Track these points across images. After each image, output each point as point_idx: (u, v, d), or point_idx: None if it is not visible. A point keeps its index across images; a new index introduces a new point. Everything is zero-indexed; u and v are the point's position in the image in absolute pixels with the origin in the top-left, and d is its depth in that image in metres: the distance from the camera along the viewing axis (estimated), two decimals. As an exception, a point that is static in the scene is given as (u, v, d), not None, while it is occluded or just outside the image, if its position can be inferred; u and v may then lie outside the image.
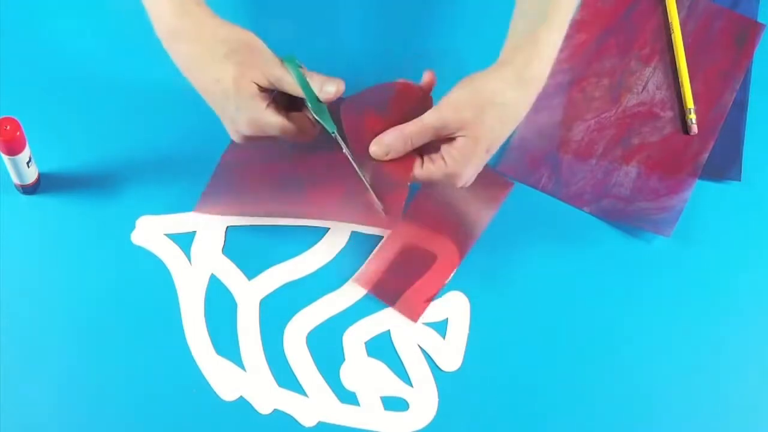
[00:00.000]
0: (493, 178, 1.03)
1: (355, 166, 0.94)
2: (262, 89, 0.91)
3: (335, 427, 0.94)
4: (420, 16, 1.10)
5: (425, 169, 0.92)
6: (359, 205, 0.95)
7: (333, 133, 0.94)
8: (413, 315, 0.97)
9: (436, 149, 0.92)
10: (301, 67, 0.92)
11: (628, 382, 0.97)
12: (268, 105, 0.91)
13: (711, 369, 0.98)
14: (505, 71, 0.92)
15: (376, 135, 0.93)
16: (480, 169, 0.93)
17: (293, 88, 0.92)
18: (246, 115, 0.91)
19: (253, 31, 0.93)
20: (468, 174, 0.92)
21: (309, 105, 0.92)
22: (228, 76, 0.90)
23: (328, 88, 0.93)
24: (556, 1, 0.94)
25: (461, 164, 0.91)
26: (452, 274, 0.99)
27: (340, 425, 0.94)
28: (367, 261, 0.99)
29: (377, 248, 1.00)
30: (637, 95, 1.08)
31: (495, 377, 0.96)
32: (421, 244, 1.00)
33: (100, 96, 1.03)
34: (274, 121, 0.91)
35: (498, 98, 0.90)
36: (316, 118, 0.93)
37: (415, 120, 0.91)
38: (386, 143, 0.92)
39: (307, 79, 0.92)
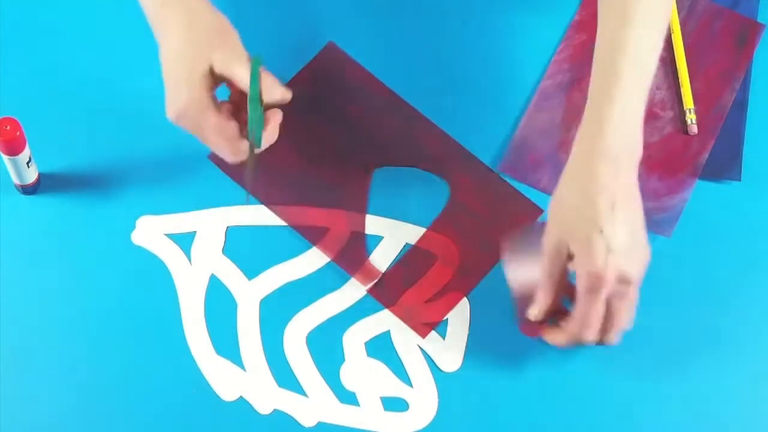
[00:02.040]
0: (522, 203, 1.03)
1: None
2: (214, 76, 0.92)
3: (335, 427, 0.94)
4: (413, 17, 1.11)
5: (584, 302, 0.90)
6: (348, 249, 0.98)
7: (257, 147, 0.93)
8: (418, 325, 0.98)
9: None
10: (261, 65, 0.93)
11: (628, 381, 0.97)
12: (212, 92, 0.92)
13: (711, 369, 0.98)
14: (571, 168, 0.93)
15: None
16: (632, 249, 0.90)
17: (241, 78, 0.92)
18: (188, 87, 0.91)
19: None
20: (602, 262, 0.88)
21: (249, 105, 0.92)
22: (194, 48, 0.92)
23: (274, 91, 0.93)
24: (621, 52, 0.92)
25: (591, 262, 0.88)
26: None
27: (340, 425, 0.94)
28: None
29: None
30: (637, 95, 1.08)
31: (495, 377, 0.96)
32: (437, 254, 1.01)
33: (100, 96, 1.03)
34: (210, 107, 0.91)
35: (580, 210, 0.90)
36: (249, 125, 0.93)
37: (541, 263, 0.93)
38: (542, 307, 0.93)
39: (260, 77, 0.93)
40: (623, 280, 0.89)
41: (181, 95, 0.92)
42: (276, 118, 0.95)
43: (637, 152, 0.92)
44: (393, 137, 1.04)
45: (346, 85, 1.05)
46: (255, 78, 0.92)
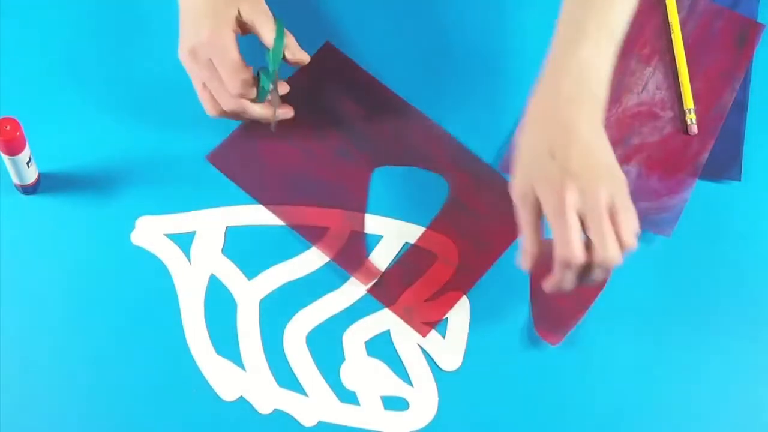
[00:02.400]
0: None
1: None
2: (239, 23, 0.95)
3: (335, 426, 0.94)
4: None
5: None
6: (347, 248, 0.98)
7: (268, 90, 0.97)
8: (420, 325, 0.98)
9: None
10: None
11: (628, 381, 0.97)
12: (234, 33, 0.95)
13: (711, 369, 0.98)
14: (529, 118, 0.91)
15: None
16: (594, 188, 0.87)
17: (266, 32, 0.96)
18: (214, 21, 0.94)
19: None
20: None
21: (271, 58, 0.96)
22: None
23: (296, 50, 0.97)
24: (583, 20, 0.92)
25: (548, 186, 0.87)
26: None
27: (340, 425, 0.94)
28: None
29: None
30: (637, 95, 1.08)
31: (495, 377, 0.96)
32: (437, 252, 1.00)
33: (100, 96, 1.03)
34: (234, 43, 0.94)
35: (537, 148, 0.89)
36: (264, 75, 0.97)
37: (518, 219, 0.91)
38: (530, 253, 0.89)
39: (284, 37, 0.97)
40: (589, 194, 0.86)
41: (205, 27, 0.94)
42: (284, 88, 0.99)
43: (598, 106, 0.90)
44: (392, 136, 1.04)
45: (345, 84, 1.06)
46: (281, 33, 0.96)
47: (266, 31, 0.96)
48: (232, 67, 0.95)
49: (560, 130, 0.88)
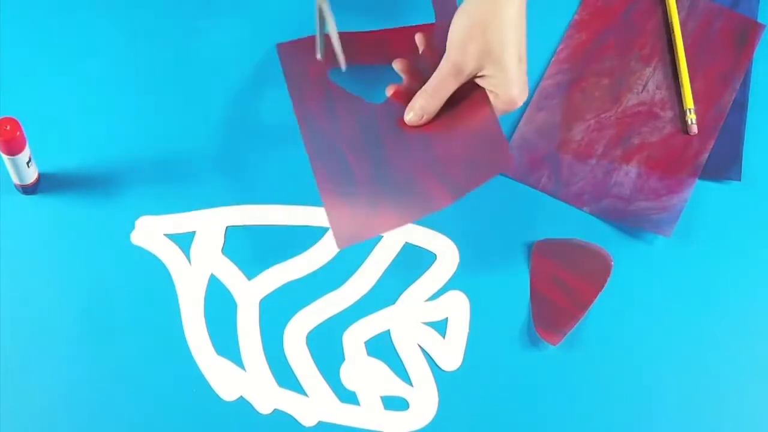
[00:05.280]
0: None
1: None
2: None
3: (335, 426, 0.94)
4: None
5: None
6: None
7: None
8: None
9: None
10: None
11: (628, 381, 0.97)
12: None
13: (711, 369, 0.98)
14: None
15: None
16: (525, 78, 0.95)
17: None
18: None
19: None
20: (519, 92, 0.94)
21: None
22: None
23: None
24: None
25: (507, 89, 0.94)
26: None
27: (340, 425, 0.94)
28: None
29: None
30: (637, 95, 1.08)
31: (495, 377, 0.96)
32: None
33: (100, 96, 1.03)
34: None
35: (493, 15, 0.91)
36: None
37: (434, 74, 0.95)
38: (419, 107, 0.96)
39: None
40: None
41: None
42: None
43: None
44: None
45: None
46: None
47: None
48: None
49: (514, 16, 0.92)
